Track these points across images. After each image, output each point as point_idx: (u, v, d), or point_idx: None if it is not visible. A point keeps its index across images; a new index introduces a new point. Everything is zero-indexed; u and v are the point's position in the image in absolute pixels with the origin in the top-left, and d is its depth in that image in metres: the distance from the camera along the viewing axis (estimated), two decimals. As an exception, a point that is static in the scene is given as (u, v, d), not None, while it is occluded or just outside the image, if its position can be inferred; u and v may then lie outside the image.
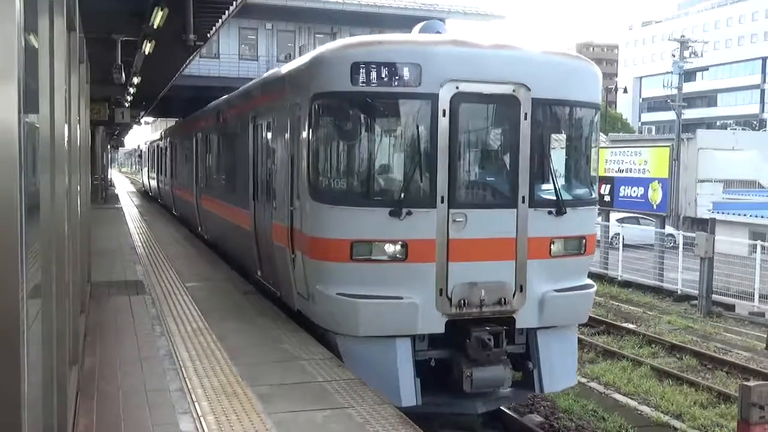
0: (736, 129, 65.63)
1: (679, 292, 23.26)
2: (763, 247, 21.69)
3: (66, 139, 5.65)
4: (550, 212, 8.95)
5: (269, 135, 11.07)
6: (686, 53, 46.97)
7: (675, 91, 44.85)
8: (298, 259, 9.17)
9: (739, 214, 33.13)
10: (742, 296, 21.74)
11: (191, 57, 18.23)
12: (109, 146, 55.93)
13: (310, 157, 8.79)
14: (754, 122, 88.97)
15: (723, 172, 44.78)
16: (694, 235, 23.45)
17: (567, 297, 9.13)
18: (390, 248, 8.35)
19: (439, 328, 8.56)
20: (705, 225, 22.44)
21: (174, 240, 19.70)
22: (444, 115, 8.43)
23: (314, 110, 8.70)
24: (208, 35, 15.10)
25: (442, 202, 8.42)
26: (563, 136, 9.67)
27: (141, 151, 55.27)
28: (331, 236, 8.44)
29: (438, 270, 8.46)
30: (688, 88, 65.91)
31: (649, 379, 14.33)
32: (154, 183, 37.18)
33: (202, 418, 6.23)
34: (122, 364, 7.88)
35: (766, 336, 17.32)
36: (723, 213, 32.73)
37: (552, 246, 9.00)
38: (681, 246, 24.18)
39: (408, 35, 9.61)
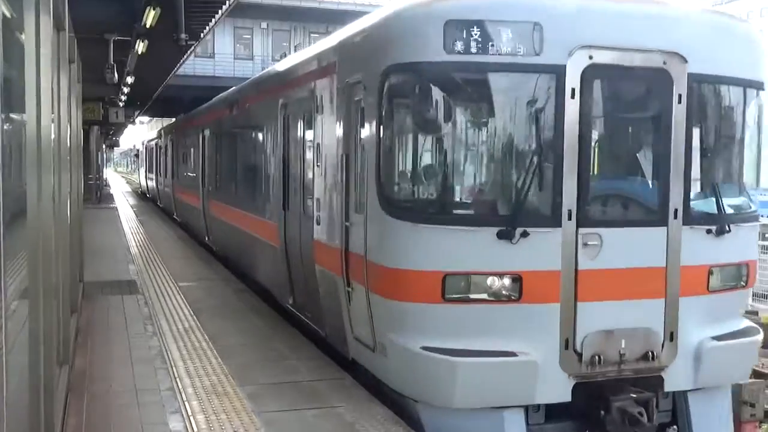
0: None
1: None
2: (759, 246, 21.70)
3: (54, 138, 5.64)
4: (708, 231, 6.69)
5: (308, 127, 8.79)
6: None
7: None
8: (359, 294, 6.96)
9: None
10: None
11: (185, 57, 18.24)
12: (104, 146, 55.88)
13: (381, 156, 6.53)
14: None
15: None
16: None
17: (730, 347, 6.84)
18: (498, 283, 6.19)
19: (563, 394, 6.31)
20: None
21: (168, 240, 19.68)
22: (573, 96, 6.20)
23: (388, 90, 6.45)
24: (201, 35, 15.12)
25: (570, 218, 6.23)
26: (727, 126, 7.23)
27: (137, 150, 55.15)
28: (414, 267, 6.23)
29: (563, 313, 6.25)
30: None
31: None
32: (152, 184, 35.34)
33: (191, 418, 6.23)
34: (113, 364, 7.87)
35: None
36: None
37: (710, 277, 6.77)
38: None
39: None
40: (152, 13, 11.72)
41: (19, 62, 4.41)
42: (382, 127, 6.54)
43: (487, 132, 6.60)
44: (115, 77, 16.13)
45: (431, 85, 6.25)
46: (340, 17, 40.69)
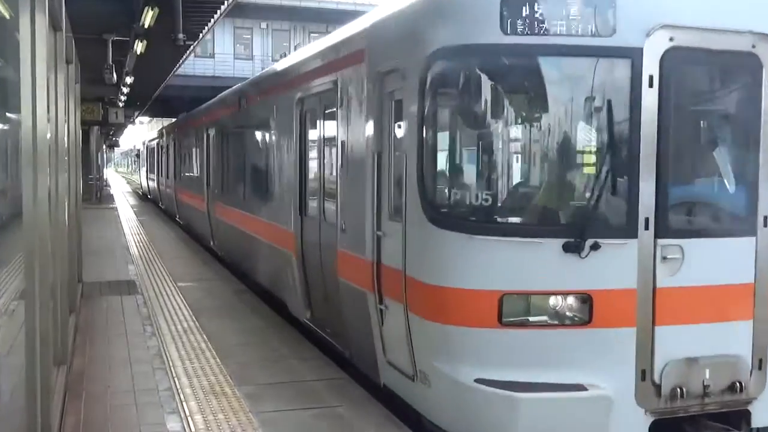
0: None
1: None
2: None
3: (50, 138, 5.63)
4: None
5: (330, 123, 7.92)
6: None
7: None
8: (395, 314, 6.13)
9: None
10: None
11: (184, 57, 18.25)
12: (104, 146, 55.94)
13: (423, 156, 5.65)
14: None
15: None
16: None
17: None
18: (563, 304, 5.39)
19: None
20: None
21: (168, 240, 19.67)
22: (651, 85, 5.34)
23: (433, 79, 5.55)
24: (200, 35, 15.13)
25: (647, 227, 5.39)
26: None
27: (138, 150, 55.13)
28: (465, 285, 5.42)
29: (640, 339, 5.40)
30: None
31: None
32: (153, 185, 34.17)
33: (189, 418, 6.22)
34: (111, 364, 7.87)
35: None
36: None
37: None
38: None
39: None
40: (150, 13, 11.73)
41: (15, 62, 4.42)
42: (424, 122, 5.64)
43: (549, 127, 5.63)
44: (113, 77, 16.15)
45: (485, 72, 5.41)
46: (340, 17, 40.74)
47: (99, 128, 37.06)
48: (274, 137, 10.48)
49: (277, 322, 9.79)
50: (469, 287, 5.40)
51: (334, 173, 7.67)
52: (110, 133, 53.34)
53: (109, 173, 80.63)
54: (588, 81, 5.50)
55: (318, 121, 8.44)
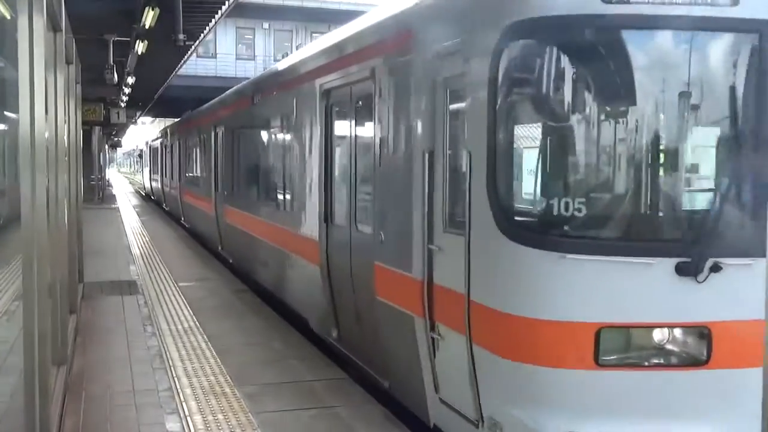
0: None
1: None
2: None
3: (49, 139, 5.63)
4: None
5: (364, 117, 6.94)
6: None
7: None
8: (454, 345, 5.18)
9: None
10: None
11: (185, 57, 18.27)
12: (106, 146, 56.01)
13: (496, 155, 4.64)
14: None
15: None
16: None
17: None
18: (677, 340, 4.48)
19: None
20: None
21: (170, 240, 19.69)
22: None
23: (509, 60, 4.56)
24: (201, 35, 15.14)
25: None
26: None
27: (141, 150, 55.05)
28: (551, 316, 4.48)
29: None
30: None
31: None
32: (156, 185, 33.55)
33: (189, 418, 6.22)
34: (112, 364, 7.87)
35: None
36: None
37: None
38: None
39: None
40: (151, 13, 11.75)
41: (14, 63, 4.42)
42: (497, 114, 4.62)
43: (658, 121, 4.63)
44: (114, 78, 16.18)
45: (579, 51, 4.48)
46: (342, 17, 40.71)
47: (101, 128, 37.11)
48: (293, 134, 9.47)
49: (278, 322, 9.79)
50: (557, 318, 4.46)
51: (369, 175, 6.70)
52: (112, 134, 53.44)
53: (112, 174, 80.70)
54: (708, 62, 4.54)
55: (348, 116, 7.36)
